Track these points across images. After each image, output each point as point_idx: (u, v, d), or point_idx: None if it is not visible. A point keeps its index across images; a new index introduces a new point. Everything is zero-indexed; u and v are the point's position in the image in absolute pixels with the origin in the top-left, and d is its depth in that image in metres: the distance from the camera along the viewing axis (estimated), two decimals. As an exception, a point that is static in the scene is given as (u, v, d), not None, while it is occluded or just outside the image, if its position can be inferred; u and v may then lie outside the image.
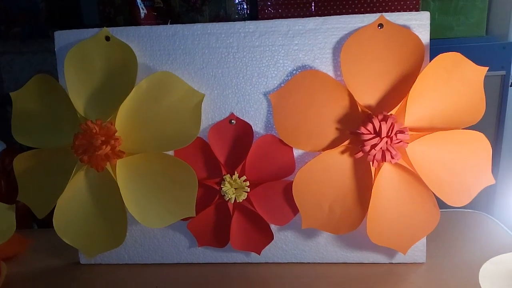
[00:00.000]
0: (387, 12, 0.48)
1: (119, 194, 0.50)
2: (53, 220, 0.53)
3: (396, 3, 1.02)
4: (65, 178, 0.51)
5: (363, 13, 0.49)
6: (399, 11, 0.94)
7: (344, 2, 1.03)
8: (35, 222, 0.91)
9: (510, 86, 1.01)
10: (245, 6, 1.14)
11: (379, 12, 0.48)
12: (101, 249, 0.54)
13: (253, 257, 0.55)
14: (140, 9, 1.02)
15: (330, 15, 0.49)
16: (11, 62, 1.18)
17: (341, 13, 1.02)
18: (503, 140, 1.01)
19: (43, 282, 0.54)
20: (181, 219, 0.52)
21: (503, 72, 1.00)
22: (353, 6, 1.04)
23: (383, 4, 1.02)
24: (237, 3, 1.12)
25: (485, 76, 0.49)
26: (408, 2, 1.01)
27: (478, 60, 0.48)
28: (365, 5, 1.03)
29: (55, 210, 0.53)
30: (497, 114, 1.01)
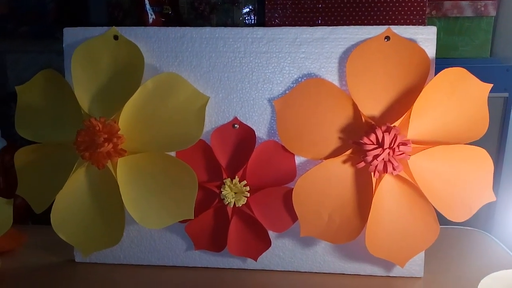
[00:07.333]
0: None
1: (118, 193, 0.50)
2: (51, 216, 0.52)
3: (402, 21, 1.03)
4: (65, 174, 0.51)
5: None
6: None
7: (350, 18, 1.04)
8: (30, 220, 0.90)
9: (513, 108, 1.01)
10: (252, 17, 1.15)
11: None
12: (97, 247, 0.54)
13: (250, 264, 0.55)
14: (149, 14, 1.02)
15: (337, 27, 0.50)
16: (17, 60, 1.18)
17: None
18: (504, 161, 1.01)
19: (37, 279, 0.54)
20: (179, 221, 0.52)
21: (505, 94, 1.00)
22: (359, 21, 1.05)
23: (390, 21, 1.03)
24: (245, 13, 1.13)
25: (488, 98, 0.49)
26: (414, 21, 1.03)
27: (481, 81, 0.49)
28: (372, 21, 1.04)
29: (53, 206, 0.52)
30: (499, 136, 1.00)
